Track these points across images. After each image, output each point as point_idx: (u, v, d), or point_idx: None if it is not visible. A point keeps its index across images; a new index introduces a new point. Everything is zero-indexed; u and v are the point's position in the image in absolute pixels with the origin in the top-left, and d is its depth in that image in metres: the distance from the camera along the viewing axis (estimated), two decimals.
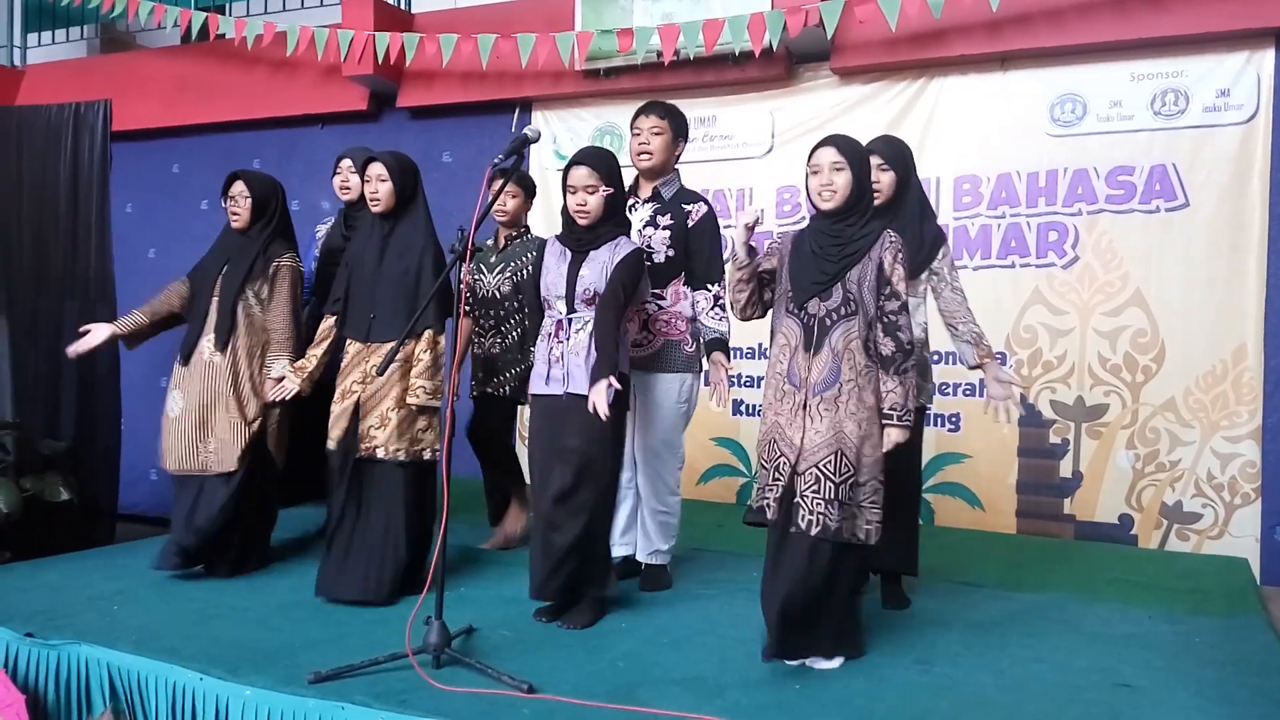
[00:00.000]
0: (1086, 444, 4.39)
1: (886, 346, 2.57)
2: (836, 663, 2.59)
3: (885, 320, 2.58)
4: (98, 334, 3.48)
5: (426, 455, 3.18)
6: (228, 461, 3.35)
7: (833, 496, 2.49)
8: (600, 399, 2.71)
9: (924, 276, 3.09)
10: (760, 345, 4.78)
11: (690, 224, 3.23)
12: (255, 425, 3.40)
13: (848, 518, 2.51)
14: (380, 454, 3.10)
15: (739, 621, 2.92)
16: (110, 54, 6.70)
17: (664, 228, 3.23)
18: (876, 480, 2.55)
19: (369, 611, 3.00)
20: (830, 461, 2.50)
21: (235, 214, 3.49)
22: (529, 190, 3.80)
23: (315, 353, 3.32)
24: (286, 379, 3.31)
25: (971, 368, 3.17)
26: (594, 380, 2.76)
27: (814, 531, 2.49)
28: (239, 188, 3.48)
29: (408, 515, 3.15)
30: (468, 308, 3.68)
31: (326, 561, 3.15)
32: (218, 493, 3.35)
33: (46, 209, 4.79)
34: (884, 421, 2.56)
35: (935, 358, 3.18)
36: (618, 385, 2.73)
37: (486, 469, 3.88)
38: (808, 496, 2.51)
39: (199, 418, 3.37)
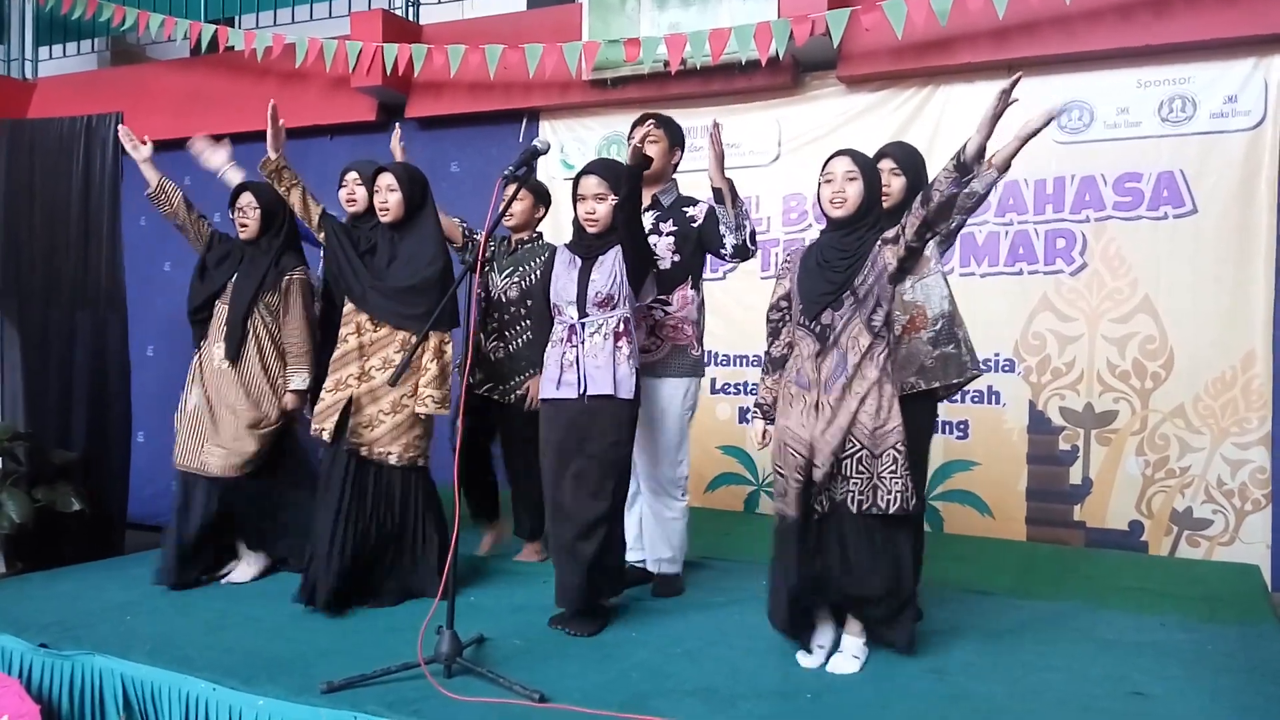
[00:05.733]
0: (1096, 450, 4.38)
1: (942, 183, 2.60)
2: (855, 665, 2.63)
3: (926, 206, 2.58)
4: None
5: (420, 462, 3.22)
6: (226, 469, 3.38)
7: (850, 473, 2.55)
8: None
9: (935, 243, 2.95)
10: None
11: (696, 225, 3.28)
12: (266, 432, 3.43)
13: (869, 490, 2.55)
14: (378, 455, 3.12)
15: (751, 631, 2.92)
16: (121, 66, 6.75)
17: (668, 234, 3.27)
18: (895, 450, 2.56)
19: (382, 620, 3.02)
20: (842, 444, 2.55)
21: (244, 225, 3.53)
22: (537, 195, 3.80)
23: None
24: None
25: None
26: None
27: (850, 507, 2.56)
28: (247, 199, 3.52)
29: (429, 514, 3.23)
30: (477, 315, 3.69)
31: (340, 567, 3.08)
32: (209, 498, 3.39)
33: (58, 221, 4.81)
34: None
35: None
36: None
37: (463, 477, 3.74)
38: (834, 482, 2.57)
39: (208, 417, 3.41)
